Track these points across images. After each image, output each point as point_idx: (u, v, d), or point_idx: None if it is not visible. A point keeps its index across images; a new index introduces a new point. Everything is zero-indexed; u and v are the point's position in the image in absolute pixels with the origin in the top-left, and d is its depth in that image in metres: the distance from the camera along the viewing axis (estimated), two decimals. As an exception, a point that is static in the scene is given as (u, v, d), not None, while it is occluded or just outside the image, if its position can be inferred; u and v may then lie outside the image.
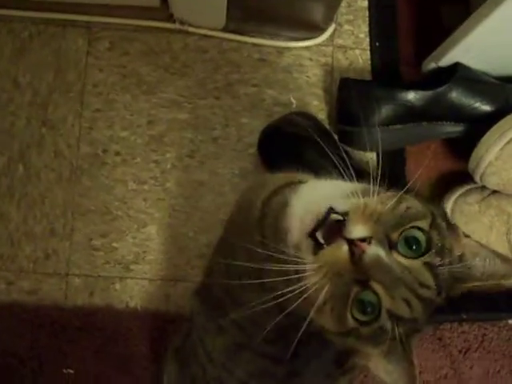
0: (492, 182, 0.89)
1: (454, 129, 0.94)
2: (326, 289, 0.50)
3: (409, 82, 0.98)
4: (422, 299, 0.51)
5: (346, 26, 1.03)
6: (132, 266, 0.96)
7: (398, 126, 0.93)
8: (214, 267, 0.70)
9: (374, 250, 0.49)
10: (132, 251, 0.96)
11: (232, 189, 0.96)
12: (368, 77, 1.00)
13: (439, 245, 0.52)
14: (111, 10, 0.97)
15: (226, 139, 0.98)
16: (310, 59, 1.00)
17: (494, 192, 0.92)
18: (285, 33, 0.99)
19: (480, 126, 0.89)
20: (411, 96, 0.91)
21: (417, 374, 0.52)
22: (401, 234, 0.51)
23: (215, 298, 0.68)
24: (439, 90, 0.91)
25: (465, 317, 0.96)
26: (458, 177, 0.95)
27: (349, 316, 0.51)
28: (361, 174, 0.94)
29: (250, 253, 0.57)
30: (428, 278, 0.51)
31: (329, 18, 0.98)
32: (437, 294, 0.52)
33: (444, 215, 0.59)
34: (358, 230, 0.49)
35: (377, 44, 1.02)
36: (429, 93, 0.91)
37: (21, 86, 0.98)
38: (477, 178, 0.90)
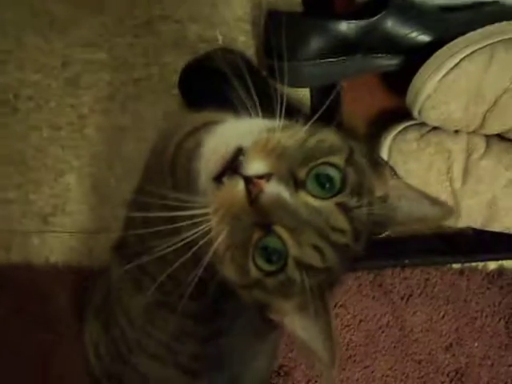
0: (431, 118, 0.83)
1: (390, 61, 0.88)
2: (223, 234, 0.44)
3: (342, 13, 0.92)
4: (335, 246, 0.45)
5: (276, -45, 0.95)
6: (51, 219, 0.89)
7: (331, 60, 0.87)
8: (131, 217, 0.64)
9: (274, 189, 0.42)
10: (50, 203, 0.89)
11: (156, 132, 0.89)
12: (299, 10, 0.93)
13: (356, 184, 0.46)
14: None
15: (148, 80, 0.91)
16: (237, -9, 0.93)
17: (434, 128, 0.86)
18: (209, -37, 0.92)
19: (418, 57, 0.83)
20: (343, 27, 0.85)
21: (334, 329, 0.46)
22: (310, 170, 0.44)
23: (132, 252, 0.61)
24: (373, 19, 0.84)
25: (407, 261, 0.91)
26: (397, 113, 0.89)
27: (251, 265, 0.45)
28: (294, 112, 0.88)
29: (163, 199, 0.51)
30: (342, 221, 0.44)
31: None
32: (354, 239, 0.45)
33: (368, 152, 0.52)
34: (254, 166, 0.43)
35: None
36: (362, 23, 0.84)
37: None
38: (415, 114, 0.84)
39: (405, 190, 0.50)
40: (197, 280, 0.47)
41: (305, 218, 0.43)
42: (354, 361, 0.90)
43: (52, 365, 0.87)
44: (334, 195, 0.45)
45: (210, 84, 0.86)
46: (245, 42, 0.92)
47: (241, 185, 0.43)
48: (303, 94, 0.92)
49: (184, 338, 0.61)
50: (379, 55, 0.87)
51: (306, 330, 0.47)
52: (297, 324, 0.48)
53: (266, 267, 0.45)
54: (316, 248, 0.44)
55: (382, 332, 0.91)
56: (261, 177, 0.42)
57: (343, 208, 0.44)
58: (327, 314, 0.46)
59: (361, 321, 0.91)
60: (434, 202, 0.50)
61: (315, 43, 0.86)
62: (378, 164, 0.52)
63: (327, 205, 0.44)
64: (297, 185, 0.44)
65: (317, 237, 0.44)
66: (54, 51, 0.90)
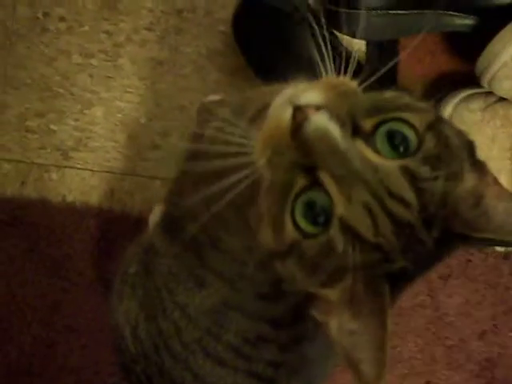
0: (503, 88, 0.75)
1: (463, 21, 0.80)
2: (264, 170, 0.38)
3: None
4: (394, 218, 0.36)
5: None
6: (72, 154, 0.82)
7: (399, 13, 0.79)
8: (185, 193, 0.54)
9: (322, 120, 0.35)
10: (73, 136, 0.82)
11: (196, 71, 0.81)
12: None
13: (435, 155, 0.37)
14: None
15: (193, 12, 0.82)
16: None
17: (501, 99, 0.79)
18: None
19: (496, 20, 0.75)
20: (419, -24, 0.77)
21: (388, 338, 0.36)
22: (379, 124, 0.37)
23: (190, 239, 0.52)
24: (451, -29, 0.76)
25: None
26: (459, 79, 0.82)
27: (288, 219, 0.37)
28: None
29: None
30: (404, 188, 0.36)
31: None
32: (423, 223, 0.36)
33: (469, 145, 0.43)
34: (308, 96, 0.37)
35: None
36: (439, -26, 0.76)
37: None
38: (484, 82, 0.76)
39: (505, 195, 0.40)
40: (273, 281, 0.42)
41: (355, 167, 0.35)
42: (383, 339, 0.84)
43: (59, 313, 0.80)
44: (401, 157, 0.36)
45: (267, 22, 0.78)
46: (304, -19, 0.83)
47: (288, 112, 0.36)
48: (357, 47, 0.84)
49: (261, 344, 0.53)
50: (453, 13, 0.79)
51: (353, 334, 0.38)
52: (344, 326, 0.38)
53: (308, 228, 0.37)
54: (368, 211, 0.36)
55: (415, 312, 0.85)
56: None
57: (409, 174, 0.36)
58: (382, 316, 0.37)
59: (394, 297, 0.85)
60: None
61: (384, -8, 0.77)
62: (477, 161, 0.42)
63: (389, 165, 0.36)
64: (357, 133, 0.36)
65: (369, 196, 0.35)
66: (93, -32, 0.81)
